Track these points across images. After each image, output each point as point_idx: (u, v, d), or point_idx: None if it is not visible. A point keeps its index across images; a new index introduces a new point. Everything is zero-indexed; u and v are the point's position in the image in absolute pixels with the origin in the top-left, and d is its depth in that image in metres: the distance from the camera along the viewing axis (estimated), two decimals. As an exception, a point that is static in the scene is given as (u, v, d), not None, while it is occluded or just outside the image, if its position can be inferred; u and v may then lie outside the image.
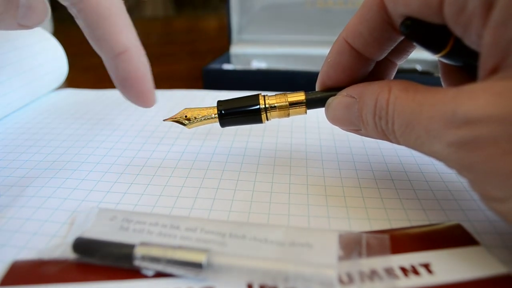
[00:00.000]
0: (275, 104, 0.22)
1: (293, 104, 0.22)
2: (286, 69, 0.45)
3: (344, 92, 0.20)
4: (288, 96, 0.22)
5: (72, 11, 0.20)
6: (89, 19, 0.19)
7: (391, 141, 0.18)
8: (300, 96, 0.22)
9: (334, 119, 0.20)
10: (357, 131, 0.20)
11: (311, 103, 0.22)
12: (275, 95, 0.22)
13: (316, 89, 0.22)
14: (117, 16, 0.19)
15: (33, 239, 0.18)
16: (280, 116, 0.22)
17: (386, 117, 0.17)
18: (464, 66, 0.18)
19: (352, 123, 0.19)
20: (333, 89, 0.21)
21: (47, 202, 0.20)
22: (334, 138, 0.28)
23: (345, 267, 0.15)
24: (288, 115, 0.22)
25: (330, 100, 0.20)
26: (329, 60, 0.21)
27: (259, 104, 0.21)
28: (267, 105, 0.22)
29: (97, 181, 0.22)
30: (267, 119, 0.22)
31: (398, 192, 0.21)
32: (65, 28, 0.64)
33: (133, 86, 0.20)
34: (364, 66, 0.20)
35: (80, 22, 0.19)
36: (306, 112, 0.22)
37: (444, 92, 0.14)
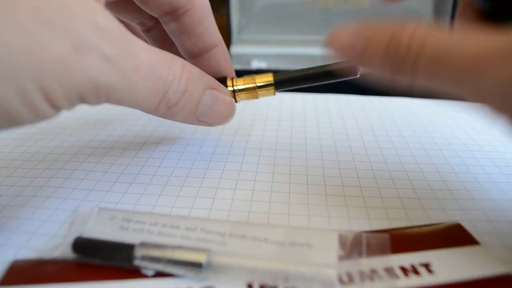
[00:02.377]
0: (243, 86, 0.22)
1: (261, 86, 0.22)
2: (286, 69, 0.45)
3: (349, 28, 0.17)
4: (256, 78, 0.22)
5: (168, 19, 0.22)
6: (195, 16, 0.21)
7: (396, 76, 0.16)
8: (268, 78, 0.22)
9: (335, 44, 0.18)
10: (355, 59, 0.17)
11: (279, 84, 0.22)
12: (243, 77, 0.22)
13: None
14: (211, 14, 0.22)
15: (33, 238, 0.17)
16: (248, 98, 0.22)
17: (408, 49, 0.15)
18: (491, 11, 0.17)
19: (354, 51, 0.17)
20: None
21: (47, 202, 0.20)
22: (334, 138, 0.28)
23: (345, 267, 0.15)
24: (257, 97, 0.22)
25: (335, 32, 0.18)
26: None
27: (227, 86, 0.22)
28: (235, 87, 0.22)
29: (97, 181, 0.22)
30: (236, 101, 0.22)
31: (398, 191, 0.21)
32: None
33: (225, 74, 0.23)
34: None
35: (174, 25, 0.22)
36: (274, 93, 0.22)
37: (493, 31, 0.13)
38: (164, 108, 0.18)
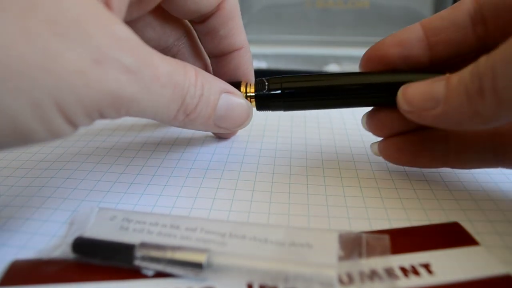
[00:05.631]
0: (254, 94, 0.22)
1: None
2: (286, 69, 0.45)
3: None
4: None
5: (196, 18, 0.21)
6: (220, 19, 0.21)
7: (479, 112, 0.15)
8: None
9: (410, 100, 0.18)
10: (429, 111, 0.17)
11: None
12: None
13: (363, 58, 0.21)
14: (238, 17, 0.22)
15: (33, 238, 0.18)
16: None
17: (485, 74, 0.14)
18: None
19: (431, 98, 0.17)
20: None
21: (47, 202, 0.20)
22: (334, 138, 0.28)
23: (345, 267, 0.15)
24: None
25: (407, 85, 0.18)
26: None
27: (240, 91, 0.21)
28: (248, 93, 0.22)
29: (97, 181, 0.22)
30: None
31: (398, 191, 0.21)
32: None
33: (243, 78, 0.23)
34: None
35: (200, 26, 0.22)
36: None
37: None
38: (183, 115, 0.18)
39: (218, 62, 0.23)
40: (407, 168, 0.23)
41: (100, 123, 0.30)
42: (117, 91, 0.14)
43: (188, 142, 0.27)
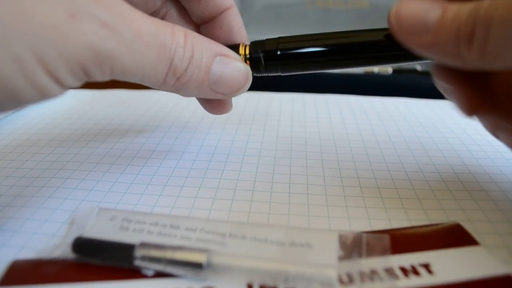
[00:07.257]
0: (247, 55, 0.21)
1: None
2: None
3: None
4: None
5: None
6: None
7: (462, 56, 0.15)
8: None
9: (401, 18, 0.16)
10: (417, 36, 0.16)
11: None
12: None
13: None
14: None
15: (33, 239, 0.18)
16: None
17: (481, 23, 0.14)
18: None
19: (423, 23, 0.16)
20: None
21: (47, 202, 0.20)
22: (334, 138, 0.28)
23: (345, 267, 0.15)
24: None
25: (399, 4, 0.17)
26: None
27: (239, 53, 0.20)
28: (247, 55, 0.20)
29: (97, 181, 0.22)
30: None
31: (398, 191, 0.21)
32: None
33: (238, 39, 0.22)
34: None
35: None
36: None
37: None
38: (173, 78, 0.17)
39: (209, 27, 0.23)
40: (407, 168, 0.23)
41: (100, 124, 0.30)
42: (95, 45, 0.14)
43: (188, 142, 0.27)
